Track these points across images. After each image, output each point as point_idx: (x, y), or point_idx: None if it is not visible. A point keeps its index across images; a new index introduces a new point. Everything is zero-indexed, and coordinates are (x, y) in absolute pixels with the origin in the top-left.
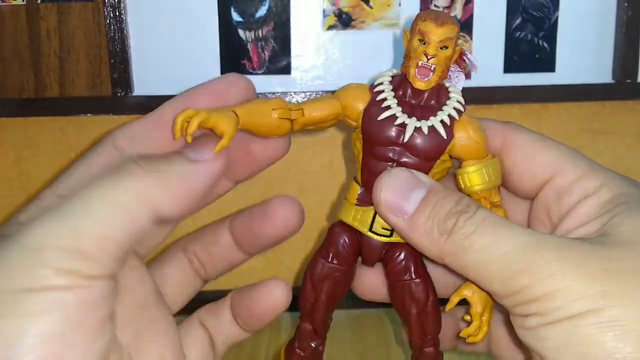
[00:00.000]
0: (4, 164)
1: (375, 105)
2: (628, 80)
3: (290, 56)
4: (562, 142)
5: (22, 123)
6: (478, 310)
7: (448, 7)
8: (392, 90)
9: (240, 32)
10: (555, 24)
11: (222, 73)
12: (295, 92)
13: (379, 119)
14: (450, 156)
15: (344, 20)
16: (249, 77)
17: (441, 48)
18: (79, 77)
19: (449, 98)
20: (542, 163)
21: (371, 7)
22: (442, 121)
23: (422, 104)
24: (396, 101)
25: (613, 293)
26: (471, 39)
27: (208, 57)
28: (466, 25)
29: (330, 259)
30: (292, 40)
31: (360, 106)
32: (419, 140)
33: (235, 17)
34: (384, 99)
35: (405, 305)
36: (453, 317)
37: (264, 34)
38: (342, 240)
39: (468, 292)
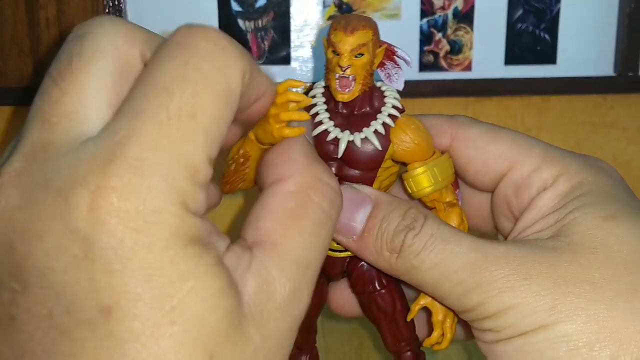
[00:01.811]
0: (3, 153)
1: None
2: (630, 73)
3: (290, 46)
4: (516, 131)
5: (21, 112)
6: (439, 319)
7: None
8: (325, 102)
9: (240, 22)
10: (556, 16)
11: None
12: None
13: (312, 135)
14: (395, 161)
15: (344, 11)
16: None
17: (355, 56)
18: None
19: (384, 103)
20: (495, 155)
21: None
22: (375, 131)
23: (355, 112)
24: (328, 115)
25: (562, 307)
26: (472, 30)
27: None
28: (467, 17)
29: None
30: (292, 31)
31: None
32: (354, 154)
33: (235, 6)
34: (317, 114)
35: (374, 316)
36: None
37: (263, 24)
38: None
39: (427, 300)
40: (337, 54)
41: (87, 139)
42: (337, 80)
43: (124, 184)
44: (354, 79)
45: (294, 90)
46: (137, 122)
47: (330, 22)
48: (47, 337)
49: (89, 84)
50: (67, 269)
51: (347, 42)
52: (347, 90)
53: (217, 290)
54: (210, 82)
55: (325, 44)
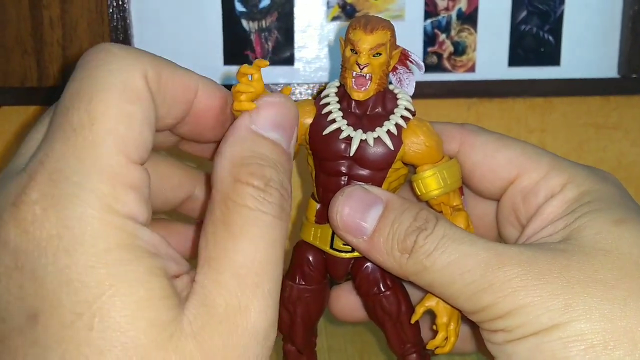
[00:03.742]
0: (7, 152)
1: (321, 118)
2: (633, 75)
3: (293, 47)
4: (524, 141)
5: (25, 112)
6: (443, 321)
7: (453, 0)
8: (338, 102)
9: (244, 22)
10: (560, 18)
11: (225, 64)
12: (298, 84)
13: (324, 133)
14: (405, 163)
15: (348, 11)
16: None
17: (374, 55)
18: None
19: (396, 105)
20: (504, 162)
21: None
22: (388, 131)
23: (368, 113)
24: (341, 114)
25: (576, 306)
26: (476, 31)
27: (211, 48)
28: (471, 18)
29: (297, 281)
30: (295, 31)
31: (307, 121)
32: (366, 153)
33: (239, 7)
34: (329, 112)
35: (379, 318)
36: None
37: (267, 24)
38: (306, 261)
39: (432, 302)
40: (356, 52)
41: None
42: (354, 79)
43: (44, 195)
44: (370, 78)
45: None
46: (51, 141)
47: (336, 22)
48: None
49: None
50: (1, 278)
51: (366, 41)
52: (363, 89)
53: (143, 300)
54: (106, 87)
55: (343, 43)
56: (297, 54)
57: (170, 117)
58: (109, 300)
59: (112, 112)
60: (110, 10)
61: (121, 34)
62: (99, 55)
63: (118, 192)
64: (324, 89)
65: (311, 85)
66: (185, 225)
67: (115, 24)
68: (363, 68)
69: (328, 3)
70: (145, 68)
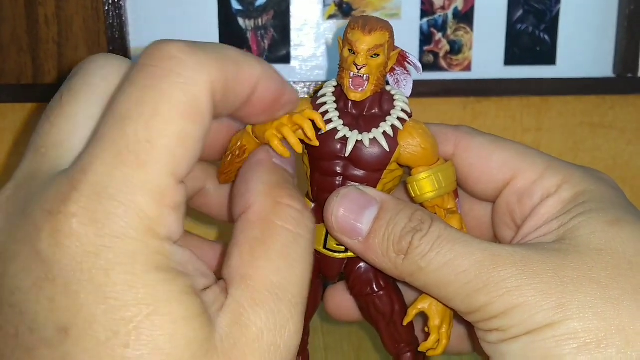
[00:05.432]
0: (2, 150)
1: None
2: (629, 75)
3: (290, 45)
4: (519, 142)
5: (20, 109)
6: (436, 324)
7: None
8: (335, 101)
9: (240, 20)
10: (556, 17)
11: None
12: (294, 82)
13: (320, 133)
14: (400, 165)
15: (344, 10)
16: None
17: (372, 56)
18: (78, 63)
19: (393, 106)
20: (498, 164)
21: None
22: (384, 132)
23: (364, 113)
24: (337, 114)
25: (569, 305)
26: (472, 30)
27: None
28: (467, 17)
29: None
30: (292, 30)
31: None
32: (361, 154)
33: (235, 5)
34: (326, 112)
35: (373, 318)
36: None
37: (263, 22)
38: None
39: (425, 305)
40: (354, 53)
41: (63, 169)
42: (351, 79)
43: (83, 209)
44: (368, 79)
45: (313, 133)
46: (97, 149)
47: (332, 20)
48: (13, 356)
49: (76, 115)
50: (31, 288)
51: (365, 42)
52: (360, 90)
53: (180, 319)
54: (171, 102)
55: (341, 43)
56: (294, 52)
57: (224, 112)
58: (146, 319)
59: (171, 131)
60: (106, 8)
61: (117, 32)
62: (166, 63)
63: (162, 215)
64: (321, 88)
65: (307, 84)
66: (203, 240)
67: (111, 21)
68: (361, 69)
69: (324, 1)
70: (213, 78)
